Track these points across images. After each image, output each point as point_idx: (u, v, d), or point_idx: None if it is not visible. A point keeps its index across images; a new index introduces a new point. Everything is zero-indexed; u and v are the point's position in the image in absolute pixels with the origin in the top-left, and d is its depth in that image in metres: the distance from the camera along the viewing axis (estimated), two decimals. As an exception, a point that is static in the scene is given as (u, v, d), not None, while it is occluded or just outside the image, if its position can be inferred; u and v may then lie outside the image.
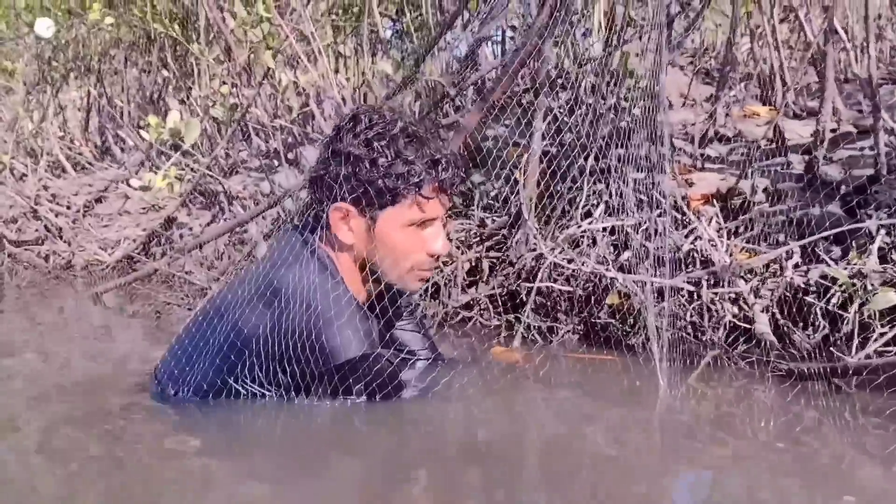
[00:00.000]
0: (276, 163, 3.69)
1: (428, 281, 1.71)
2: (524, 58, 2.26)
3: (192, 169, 4.18)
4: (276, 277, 1.51)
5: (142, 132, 3.65)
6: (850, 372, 1.55)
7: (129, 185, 4.53)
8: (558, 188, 2.55)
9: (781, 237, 2.24)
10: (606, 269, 2.17)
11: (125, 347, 2.40)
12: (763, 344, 1.96)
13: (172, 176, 3.79)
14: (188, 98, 4.85)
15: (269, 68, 3.45)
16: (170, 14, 4.53)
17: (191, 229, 4.04)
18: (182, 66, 4.87)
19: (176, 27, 4.22)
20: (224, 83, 4.36)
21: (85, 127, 5.37)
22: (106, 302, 3.20)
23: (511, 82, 2.34)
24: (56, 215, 4.39)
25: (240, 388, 1.52)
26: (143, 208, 4.48)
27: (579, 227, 2.42)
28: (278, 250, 1.57)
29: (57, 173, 4.95)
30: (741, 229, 2.26)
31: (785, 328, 2.02)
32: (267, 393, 1.52)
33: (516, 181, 2.82)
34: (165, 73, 4.84)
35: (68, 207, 4.51)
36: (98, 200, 4.63)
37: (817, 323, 1.99)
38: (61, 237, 4.31)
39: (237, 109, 3.72)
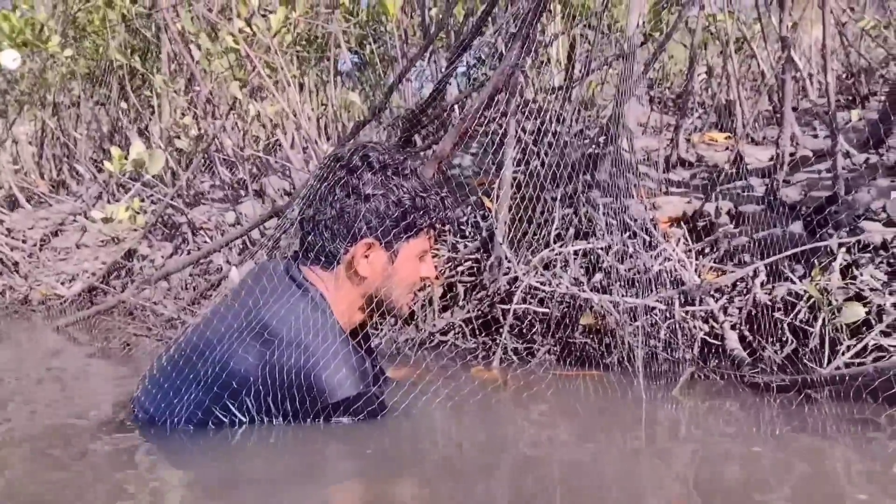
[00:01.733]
0: (242, 193, 3.69)
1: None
2: (498, 85, 2.33)
3: (153, 201, 4.16)
4: (267, 313, 1.53)
5: (105, 163, 3.62)
6: (823, 382, 1.62)
7: (86, 218, 4.47)
8: (528, 213, 2.61)
9: (746, 257, 2.33)
10: (581, 290, 2.22)
11: (96, 382, 2.37)
12: (734, 359, 2.03)
13: (136, 207, 3.76)
14: (147, 130, 4.83)
15: (235, 99, 3.47)
16: (129, 46, 4.52)
17: (152, 261, 4.00)
18: (140, 98, 4.85)
19: (136, 59, 4.22)
20: (184, 114, 4.37)
21: (39, 159, 5.30)
22: (70, 336, 3.15)
23: (485, 109, 2.40)
24: (11, 249, 4.31)
25: (227, 420, 1.52)
26: (102, 241, 4.42)
27: (552, 250, 2.48)
28: (265, 285, 1.59)
29: (12, 207, 4.86)
30: (707, 250, 2.35)
31: (754, 344, 2.10)
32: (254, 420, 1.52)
33: (485, 207, 2.88)
34: (124, 105, 4.82)
35: (24, 241, 4.43)
36: (55, 234, 4.56)
37: (785, 338, 2.08)
38: (17, 271, 4.23)
39: (202, 140, 3.72)
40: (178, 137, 3.70)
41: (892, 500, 1.23)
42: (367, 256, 1.58)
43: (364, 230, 1.57)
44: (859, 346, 1.77)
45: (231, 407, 1.50)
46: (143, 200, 4.11)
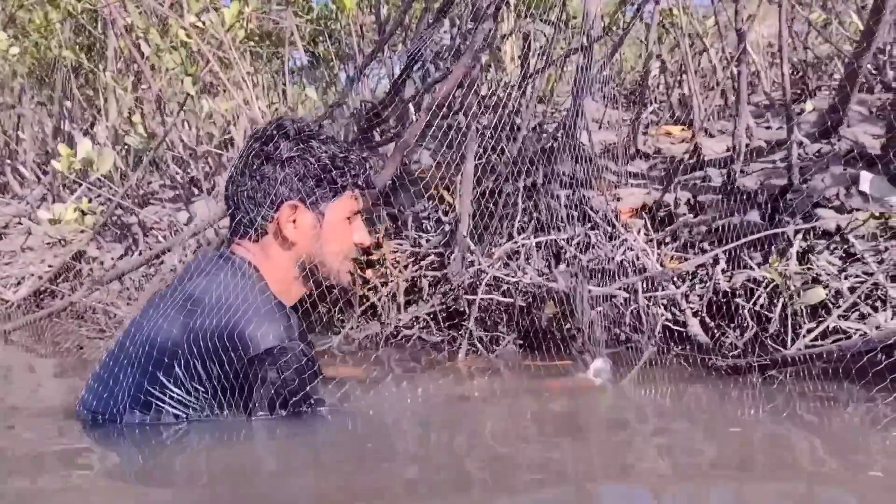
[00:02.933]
0: (195, 191, 3.63)
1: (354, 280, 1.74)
2: (460, 76, 2.33)
3: (101, 201, 4.06)
4: (191, 285, 1.54)
5: (53, 162, 3.52)
6: (788, 363, 1.66)
7: (31, 220, 4.34)
8: (489, 206, 2.62)
9: (706, 245, 2.38)
10: (548, 280, 2.24)
11: (46, 385, 2.30)
12: (697, 344, 2.07)
13: (85, 207, 3.67)
14: (92, 129, 4.71)
15: (187, 95, 3.41)
16: (75, 44, 4.40)
17: (101, 263, 3.90)
18: (86, 97, 4.73)
19: (81, 54, 4.11)
20: (132, 112, 4.27)
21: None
22: (18, 340, 3.05)
23: (447, 102, 2.40)
24: (-47, 253, 4.16)
25: (164, 407, 1.49)
26: (48, 244, 4.30)
27: (515, 242, 2.49)
28: (192, 264, 1.61)
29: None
30: (668, 239, 2.39)
31: (716, 329, 2.14)
32: (191, 411, 1.48)
33: (444, 201, 2.88)
34: (69, 104, 4.69)
35: (-34, 245, 4.28)
36: (-2, 237, 4.42)
37: (745, 323, 2.12)
38: (-41, 276, 4.08)
39: (154, 138, 3.64)
40: (128, 134, 3.62)
41: (855, 468, 1.26)
42: (293, 220, 1.57)
43: (286, 194, 1.56)
44: (820, 328, 1.82)
45: (166, 383, 1.47)
46: (90, 201, 4.00)
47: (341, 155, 1.60)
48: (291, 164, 1.57)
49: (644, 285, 2.21)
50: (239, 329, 1.45)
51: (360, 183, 1.62)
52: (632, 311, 2.15)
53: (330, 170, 1.58)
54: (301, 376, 1.48)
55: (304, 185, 1.57)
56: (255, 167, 1.58)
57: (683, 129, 3.02)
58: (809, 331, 1.85)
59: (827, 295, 1.99)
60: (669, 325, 2.16)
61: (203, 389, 1.48)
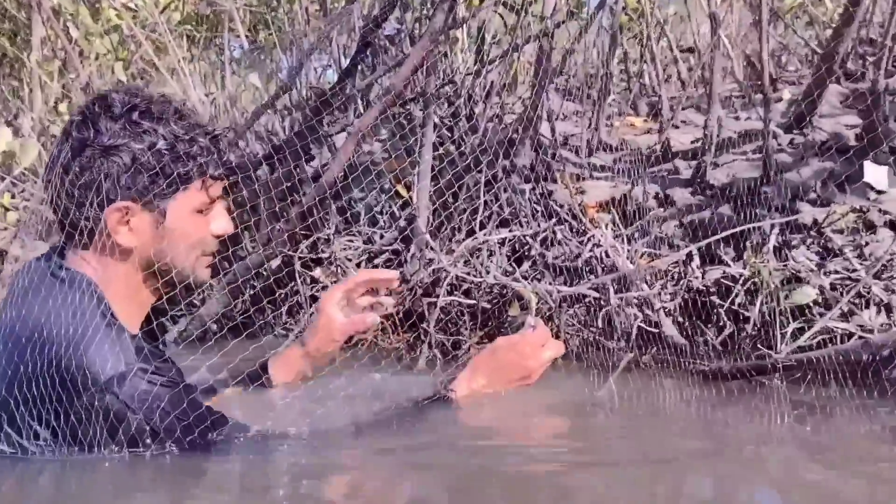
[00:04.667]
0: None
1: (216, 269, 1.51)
2: (418, 60, 2.17)
3: (24, 197, 3.78)
4: (16, 311, 1.28)
5: (-31, 154, 3.23)
6: (777, 368, 1.55)
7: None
8: (449, 201, 2.47)
9: (676, 241, 2.26)
10: (514, 279, 2.09)
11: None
12: (673, 346, 1.95)
13: (6, 203, 3.40)
14: (16, 120, 4.40)
15: (119, 83, 3.17)
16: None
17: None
18: (11, 87, 4.42)
19: (4, 41, 3.82)
20: (59, 101, 3.99)
21: None
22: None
23: (406, 84, 2.24)
24: None
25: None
26: (-33, 242, 3.99)
27: (475, 238, 2.34)
28: (18, 280, 1.33)
29: None
30: (637, 235, 2.26)
31: (690, 330, 2.03)
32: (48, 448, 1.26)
33: (399, 195, 2.72)
34: (-11, 93, 4.37)
35: None
36: None
37: (721, 323, 2.01)
38: None
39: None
40: (54, 124, 3.36)
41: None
42: (127, 223, 1.29)
43: (113, 192, 1.26)
44: (812, 331, 1.71)
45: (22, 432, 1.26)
46: (13, 197, 3.72)
47: (185, 136, 1.29)
48: (117, 152, 1.26)
49: (615, 285, 2.08)
50: (73, 362, 1.21)
51: (210, 172, 1.33)
52: (605, 312, 2.02)
53: (169, 159, 1.28)
54: (162, 404, 1.25)
55: (134, 180, 1.27)
56: (72, 157, 1.27)
57: (646, 121, 2.92)
58: (797, 332, 1.74)
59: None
60: (642, 325, 2.04)
61: (46, 433, 1.25)
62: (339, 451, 1.38)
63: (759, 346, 1.84)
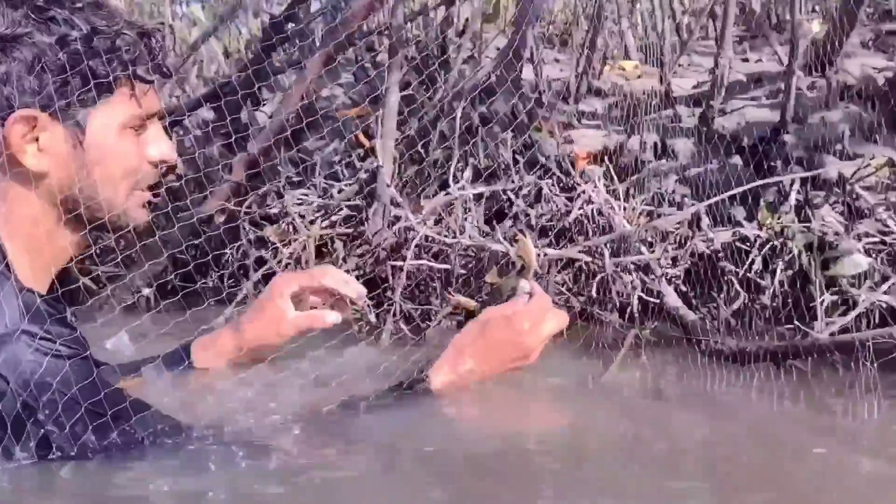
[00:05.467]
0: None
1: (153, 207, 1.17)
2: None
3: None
4: None
5: None
6: (818, 350, 1.27)
7: None
8: (419, 151, 2.16)
9: (677, 198, 1.98)
10: (495, 242, 1.79)
11: None
12: (680, 321, 1.67)
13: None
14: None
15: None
16: None
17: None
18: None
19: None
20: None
21: None
22: None
23: (366, 16, 1.91)
24: None
25: None
26: None
27: (448, 193, 2.03)
28: None
29: None
30: (633, 191, 1.97)
31: (698, 302, 1.76)
32: None
33: (361, 145, 2.40)
34: None
35: None
36: None
37: (732, 293, 1.74)
38: None
39: None
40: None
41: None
42: (35, 140, 1.01)
43: (15, 98, 0.99)
44: (864, 304, 1.43)
45: None
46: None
47: (105, 28, 1.01)
48: (18, 46, 0.99)
49: (611, 248, 1.79)
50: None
51: (141, 73, 1.04)
52: (599, 280, 1.74)
53: (84, 55, 1.00)
54: (55, 384, 0.95)
55: (41, 82, 0.99)
56: None
57: (637, 66, 2.61)
58: (835, 305, 1.47)
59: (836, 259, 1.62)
60: (642, 295, 1.76)
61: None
62: (289, 457, 1.08)
63: (771, 321, 1.57)
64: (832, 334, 1.35)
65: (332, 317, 1.39)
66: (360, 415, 1.18)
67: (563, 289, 1.78)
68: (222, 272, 2.22)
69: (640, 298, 1.69)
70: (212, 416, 1.15)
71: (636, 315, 1.67)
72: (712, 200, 1.78)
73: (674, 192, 1.99)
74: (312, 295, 1.41)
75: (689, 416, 1.27)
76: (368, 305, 1.61)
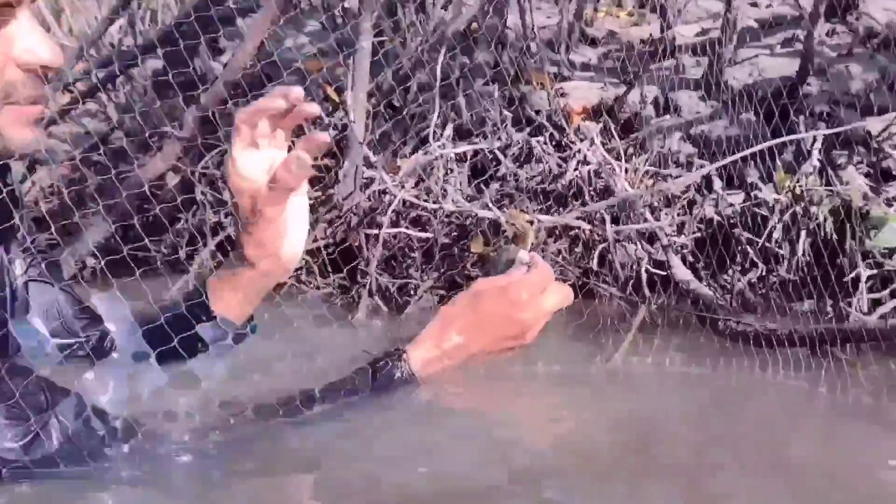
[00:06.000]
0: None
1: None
2: None
3: None
4: None
5: None
6: (874, 337, 1.09)
7: None
8: (395, 104, 1.94)
9: (682, 158, 1.79)
10: (484, 208, 1.59)
11: None
12: (687, 296, 1.49)
13: None
14: None
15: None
16: None
17: None
18: None
19: None
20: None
21: None
22: None
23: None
24: None
25: None
26: None
27: (427, 152, 1.82)
28: None
29: None
30: (636, 149, 1.78)
31: (708, 276, 1.57)
32: None
33: (328, 99, 2.17)
34: None
35: None
36: None
37: (747, 265, 1.56)
38: None
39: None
40: None
41: None
42: None
43: None
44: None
45: None
46: None
47: None
48: None
49: (611, 214, 1.60)
50: None
51: None
52: (601, 249, 1.54)
53: None
54: None
55: None
56: None
57: (631, 13, 2.39)
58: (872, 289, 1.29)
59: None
60: (651, 269, 1.57)
61: None
62: (249, 461, 0.88)
63: (784, 298, 1.40)
64: (882, 317, 1.17)
65: (322, 137, 0.95)
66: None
67: (560, 259, 1.58)
68: (178, 240, 2.00)
69: (646, 271, 1.50)
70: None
71: (644, 290, 1.48)
72: (725, 161, 1.59)
73: (678, 151, 1.80)
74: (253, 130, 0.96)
75: (716, 414, 1.08)
76: None
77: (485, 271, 1.19)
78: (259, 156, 0.97)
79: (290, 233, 1.01)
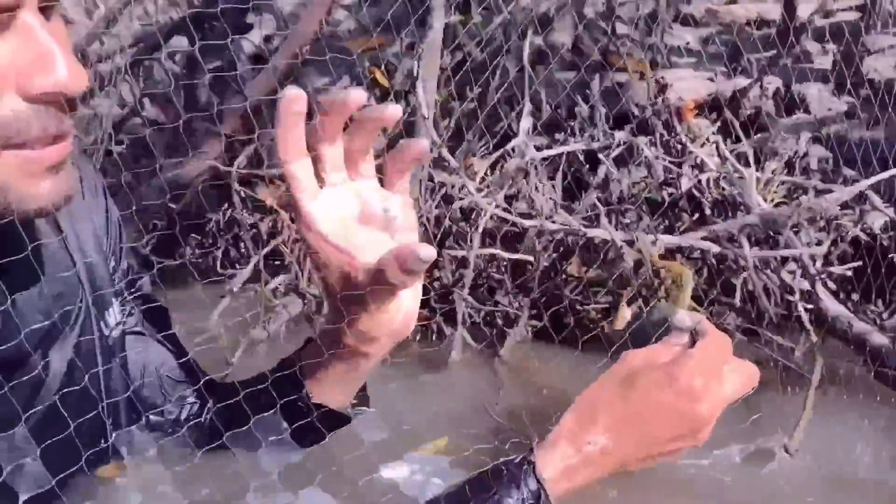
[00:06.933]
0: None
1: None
2: None
3: None
4: None
5: None
6: None
7: None
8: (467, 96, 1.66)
9: (812, 163, 1.53)
10: (594, 226, 1.32)
11: None
12: (847, 339, 1.23)
13: None
14: None
15: None
16: None
17: None
18: None
19: None
20: None
21: None
22: None
23: None
24: None
25: None
26: None
27: (511, 156, 1.54)
28: None
29: None
30: (760, 154, 1.51)
31: (855, 308, 1.32)
32: None
33: (376, 83, 1.89)
34: None
35: None
36: None
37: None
38: None
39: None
40: None
41: None
42: None
43: None
44: None
45: None
46: None
47: None
48: None
49: (748, 235, 1.33)
50: None
51: None
52: (743, 279, 1.28)
53: None
54: None
55: None
56: None
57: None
58: None
59: None
60: (791, 299, 1.31)
61: None
62: None
63: None
64: None
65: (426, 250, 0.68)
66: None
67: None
68: (215, 247, 1.72)
69: (806, 310, 1.24)
70: None
71: (810, 335, 1.21)
72: (886, 174, 1.32)
73: (806, 154, 1.53)
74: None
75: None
76: None
77: (632, 337, 0.89)
78: (341, 197, 0.69)
79: (403, 305, 0.74)
